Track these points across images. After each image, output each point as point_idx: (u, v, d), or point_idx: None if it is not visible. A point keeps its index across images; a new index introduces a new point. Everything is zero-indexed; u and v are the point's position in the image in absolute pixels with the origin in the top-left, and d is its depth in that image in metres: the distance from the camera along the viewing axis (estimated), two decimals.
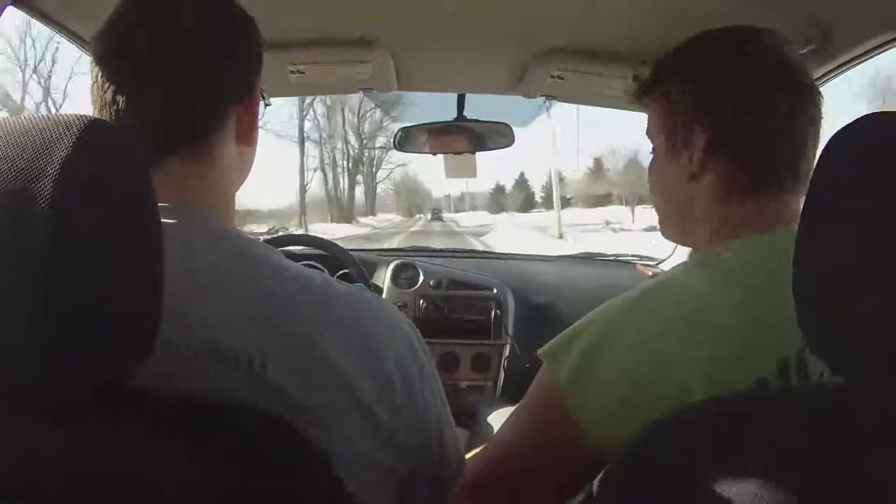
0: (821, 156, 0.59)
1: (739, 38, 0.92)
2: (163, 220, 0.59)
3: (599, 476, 0.72)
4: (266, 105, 0.90)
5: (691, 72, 0.93)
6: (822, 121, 0.90)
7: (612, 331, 0.85)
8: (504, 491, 0.94)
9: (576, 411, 0.84)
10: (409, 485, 0.78)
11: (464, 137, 2.17)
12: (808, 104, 0.89)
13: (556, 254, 2.95)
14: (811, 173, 0.86)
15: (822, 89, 0.97)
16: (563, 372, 0.86)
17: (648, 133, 1.01)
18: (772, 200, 0.88)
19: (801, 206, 0.87)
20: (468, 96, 2.09)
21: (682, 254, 0.94)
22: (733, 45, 0.92)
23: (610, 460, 0.75)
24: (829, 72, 1.36)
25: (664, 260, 2.49)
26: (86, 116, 0.53)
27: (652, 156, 1.02)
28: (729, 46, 0.92)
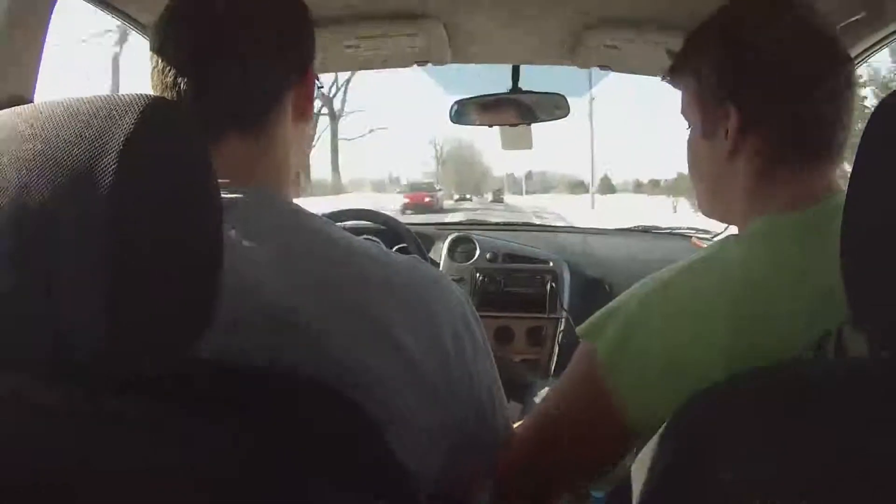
0: (868, 126, 0.58)
1: (768, 10, 0.90)
2: (224, 195, 0.60)
3: (643, 448, 0.73)
4: (319, 87, 0.92)
5: (720, 47, 0.91)
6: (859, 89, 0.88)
7: (650, 307, 0.85)
8: (542, 465, 0.95)
9: (613, 387, 0.84)
10: (458, 454, 0.79)
11: (519, 109, 2.14)
12: (841, 77, 0.86)
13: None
14: (845, 145, 0.85)
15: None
16: (601, 347, 0.86)
17: (683, 111, 0.99)
18: (808, 174, 0.87)
19: (836, 178, 0.87)
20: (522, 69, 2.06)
21: (734, 228, 0.94)
22: (763, 18, 0.89)
23: (644, 439, 0.75)
24: (881, 40, 1.30)
25: (720, 233, 2.44)
26: (148, 95, 0.54)
27: (688, 134, 1.00)
28: (758, 19, 0.89)
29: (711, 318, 0.79)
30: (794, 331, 0.76)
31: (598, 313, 0.89)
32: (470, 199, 49.87)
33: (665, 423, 0.67)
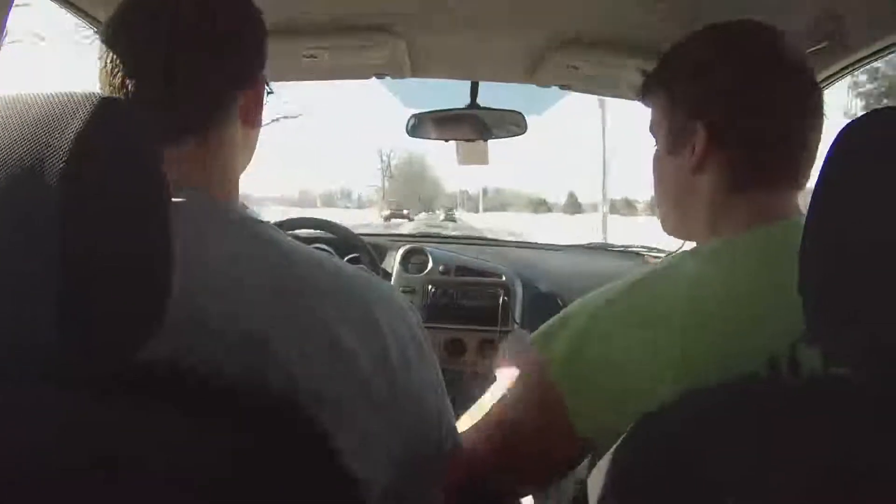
0: (830, 149, 0.60)
1: (740, 34, 0.93)
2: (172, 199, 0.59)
3: (592, 469, 0.73)
4: (269, 93, 0.91)
5: (691, 67, 0.94)
6: (824, 118, 0.91)
7: (601, 317, 0.86)
8: (492, 473, 0.95)
9: (565, 395, 0.84)
10: (405, 463, 0.79)
11: (476, 125, 2.16)
12: (807, 101, 0.89)
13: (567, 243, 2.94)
14: (809, 169, 0.88)
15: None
16: (553, 357, 0.86)
17: (651, 128, 1.01)
18: (769, 196, 0.89)
19: (798, 202, 0.89)
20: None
21: (689, 246, 0.96)
22: (734, 41, 0.92)
23: (598, 447, 0.77)
24: (843, 69, 1.35)
25: (673, 252, 2.47)
26: (97, 94, 0.54)
27: (655, 150, 1.02)
28: (729, 42, 0.93)
29: (661, 330, 0.80)
30: (744, 347, 0.78)
31: (549, 322, 0.90)
32: (408, 218, 47.02)
33: (621, 439, 0.68)
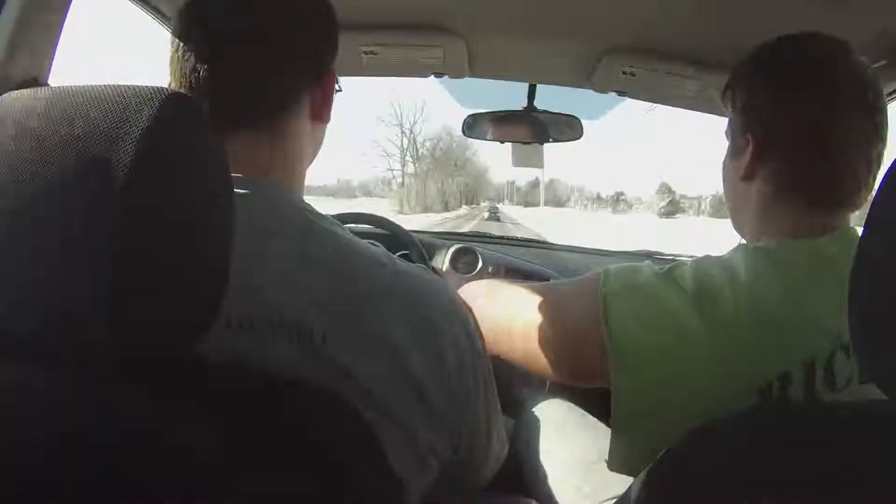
0: (890, 167, 0.58)
1: (800, 49, 0.93)
2: (235, 189, 0.60)
3: (632, 485, 0.73)
4: (338, 91, 0.91)
5: (749, 80, 0.96)
6: (886, 137, 0.89)
7: (656, 291, 0.87)
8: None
9: (605, 311, 0.87)
10: (450, 469, 0.79)
11: (532, 127, 2.16)
12: (864, 121, 0.88)
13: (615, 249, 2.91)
14: (864, 189, 0.86)
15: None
16: (609, 285, 0.89)
17: (725, 132, 1.04)
18: (813, 211, 0.90)
19: (846, 219, 0.89)
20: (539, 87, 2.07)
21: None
22: (792, 56, 0.93)
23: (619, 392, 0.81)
24: None
25: None
26: (165, 89, 0.54)
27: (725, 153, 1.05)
28: (787, 57, 0.93)
29: (713, 317, 0.81)
30: (784, 347, 0.79)
31: (621, 266, 0.93)
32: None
33: (667, 450, 0.67)
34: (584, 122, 2.10)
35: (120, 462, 0.51)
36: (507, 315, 1.04)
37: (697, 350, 0.80)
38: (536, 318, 0.97)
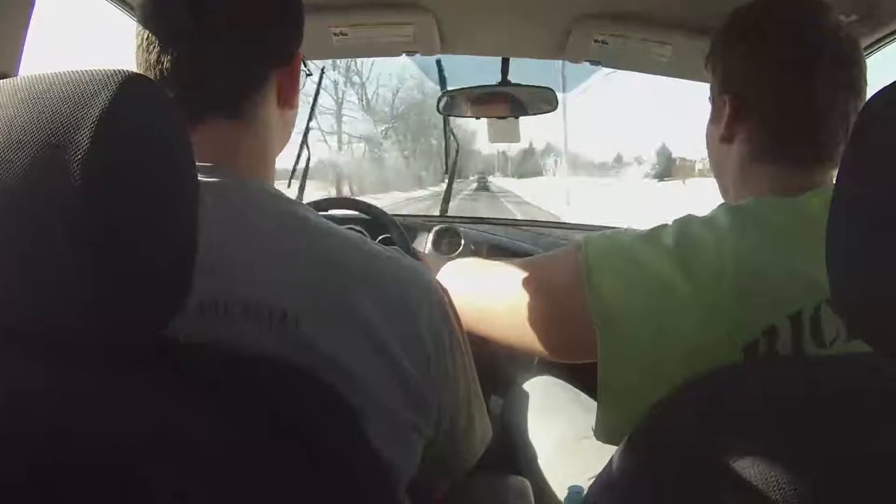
0: (858, 117, 0.58)
1: (773, 8, 0.93)
2: (201, 178, 0.60)
3: (619, 446, 0.73)
4: (307, 75, 0.91)
5: (724, 43, 0.98)
6: (864, 92, 0.90)
7: (641, 247, 0.86)
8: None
9: (589, 293, 0.85)
10: (434, 448, 0.79)
11: (507, 102, 2.15)
12: (836, 75, 0.88)
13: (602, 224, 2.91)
14: (839, 147, 0.87)
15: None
16: (590, 251, 0.88)
17: (709, 99, 1.05)
18: (792, 169, 0.91)
19: (829, 176, 0.89)
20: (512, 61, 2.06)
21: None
22: (765, 15, 0.93)
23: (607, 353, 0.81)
24: (872, 44, 1.31)
25: None
26: (125, 70, 0.53)
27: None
28: (760, 17, 0.94)
29: (696, 274, 0.81)
30: (770, 301, 0.79)
31: (603, 232, 0.93)
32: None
33: (649, 411, 0.67)
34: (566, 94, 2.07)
35: (103, 449, 0.51)
36: (489, 293, 1.04)
37: (683, 308, 0.80)
38: (519, 293, 0.97)
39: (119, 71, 0.53)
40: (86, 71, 0.53)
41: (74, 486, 0.50)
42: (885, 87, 0.56)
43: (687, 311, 0.79)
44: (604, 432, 0.88)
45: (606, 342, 0.83)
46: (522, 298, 0.95)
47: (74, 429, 0.52)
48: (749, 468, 0.55)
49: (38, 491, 0.49)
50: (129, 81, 0.53)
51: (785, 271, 0.79)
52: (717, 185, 1.06)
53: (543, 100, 2.14)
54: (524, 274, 0.98)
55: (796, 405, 0.59)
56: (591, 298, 0.84)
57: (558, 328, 0.93)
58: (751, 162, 0.94)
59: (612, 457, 0.69)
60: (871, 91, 0.88)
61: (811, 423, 0.57)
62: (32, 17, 1.01)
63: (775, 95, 0.90)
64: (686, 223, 0.88)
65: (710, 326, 0.78)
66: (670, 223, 0.89)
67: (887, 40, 1.30)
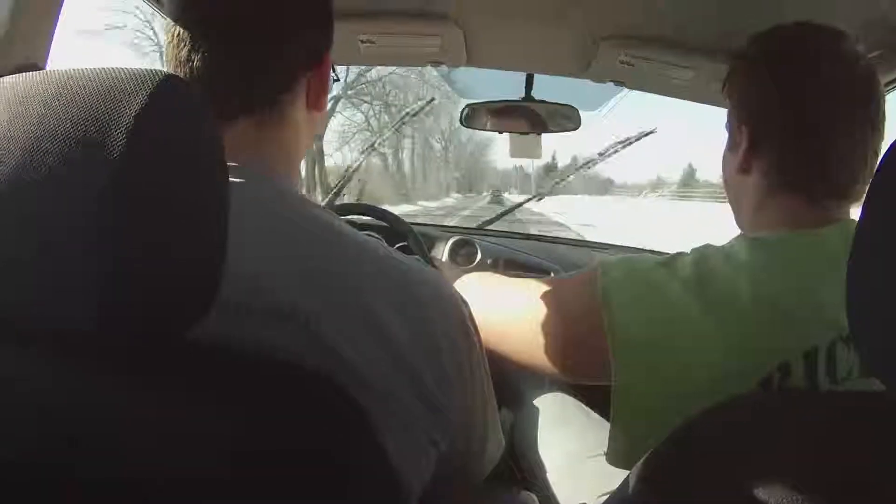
0: (885, 155, 0.57)
1: (794, 39, 0.92)
2: (230, 179, 0.59)
3: (635, 468, 0.73)
4: (335, 80, 0.91)
5: (743, 72, 0.96)
6: (882, 127, 0.89)
7: (658, 279, 0.86)
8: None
9: (606, 302, 0.86)
10: (447, 463, 0.78)
11: (529, 117, 2.15)
12: (855, 112, 0.87)
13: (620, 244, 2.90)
14: (860, 181, 0.87)
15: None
16: (609, 276, 0.88)
17: (726, 126, 1.03)
18: (810, 204, 0.89)
19: (846, 212, 0.89)
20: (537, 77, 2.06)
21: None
22: (785, 47, 0.92)
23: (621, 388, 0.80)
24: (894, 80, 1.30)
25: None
26: (160, 71, 0.53)
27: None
28: (780, 48, 0.93)
29: (712, 306, 0.81)
30: (783, 337, 0.79)
31: (621, 257, 0.93)
32: None
33: (668, 435, 0.67)
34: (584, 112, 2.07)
35: (122, 451, 0.52)
36: (505, 310, 1.04)
37: (698, 339, 0.80)
38: (535, 312, 0.96)
39: (156, 71, 0.53)
40: (123, 69, 0.53)
41: (85, 487, 0.50)
42: None
43: (704, 343, 0.79)
44: (614, 456, 0.88)
45: (623, 368, 0.83)
46: (538, 319, 0.95)
47: (90, 432, 0.52)
48: (767, 493, 0.55)
49: (48, 494, 0.49)
50: (165, 82, 0.53)
51: (801, 307, 0.79)
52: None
53: (566, 116, 2.15)
54: (541, 295, 0.98)
55: (816, 430, 0.60)
56: (609, 324, 0.84)
57: (573, 351, 0.93)
58: (768, 195, 0.93)
59: (626, 478, 0.69)
60: (890, 126, 0.88)
61: (830, 447, 0.57)
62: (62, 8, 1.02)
63: (793, 131, 0.89)
64: (704, 254, 0.88)
65: (727, 358, 0.78)
66: (689, 252, 0.89)
67: None
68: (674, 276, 0.85)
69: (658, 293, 0.84)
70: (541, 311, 0.96)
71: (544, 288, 0.99)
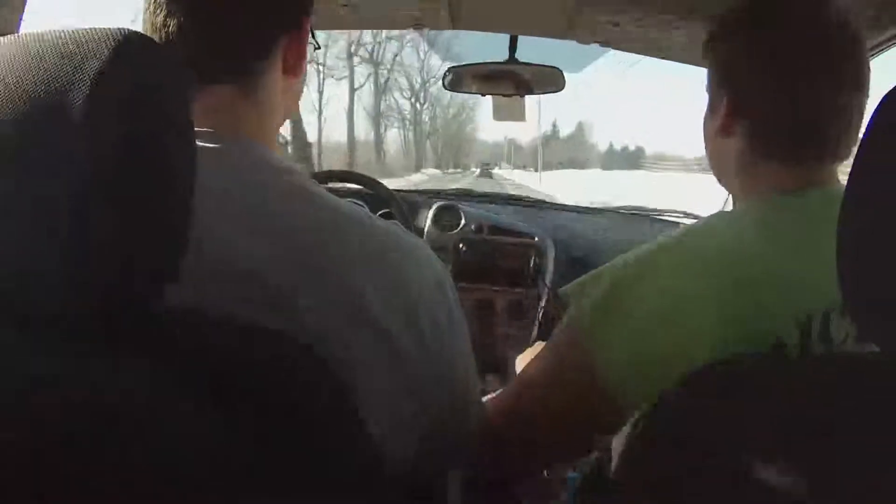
0: (872, 116, 0.56)
1: (775, 1, 0.91)
2: (203, 144, 0.59)
3: (614, 444, 0.72)
4: (315, 49, 0.90)
5: (723, 33, 0.95)
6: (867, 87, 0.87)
7: (638, 273, 0.85)
8: (522, 438, 0.95)
9: (595, 352, 0.84)
10: (429, 431, 0.78)
11: (513, 80, 2.13)
12: (839, 72, 0.86)
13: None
14: (849, 141, 0.85)
15: None
16: (585, 307, 0.86)
17: (706, 88, 1.02)
18: (794, 166, 0.88)
19: (833, 173, 0.88)
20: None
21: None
22: (763, 6, 0.91)
23: (628, 415, 0.75)
24: (881, 44, 1.28)
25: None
26: (124, 29, 0.52)
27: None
28: (759, 7, 0.91)
29: (701, 290, 0.80)
30: (777, 309, 0.78)
31: (586, 275, 0.90)
32: None
33: (651, 404, 0.66)
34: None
35: (86, 430, 0.50)
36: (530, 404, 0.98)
37: (689, 326, 0.78)
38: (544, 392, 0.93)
39: (117, 30, 0.52)
40: (86, 30, 0.52)
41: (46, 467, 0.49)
42: (895, 90, 0.55)
43: (697, 332, 0.78)
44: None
45: (614, 378, 0.83)
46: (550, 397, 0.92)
47: (60, 402, 0.51)
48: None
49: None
50: (129, 40, 0.51)
51: (791, 278, 0.78)
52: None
53: (550, 78, 2.13)
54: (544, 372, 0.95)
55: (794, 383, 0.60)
56: (599, 354, 0.83)
57: (585, 404, 0.88)
58: (751, 158, 0.91)
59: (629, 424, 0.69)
60: (875, 91, 0.86)
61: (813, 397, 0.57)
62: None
63: (774, 92, 0.87)
64: (684, 240, 0.87)
65: (721, 341, 0.76)
66: (661, 242, 0.87)
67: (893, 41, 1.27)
68: (649, 273, 0.84)
69: (637, 304, 0.83)
70: (549, 386, 0.93)
71: (535, 375, 0.96)
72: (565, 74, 2.09)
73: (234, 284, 0.66)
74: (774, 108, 0.88)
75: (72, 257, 0.50)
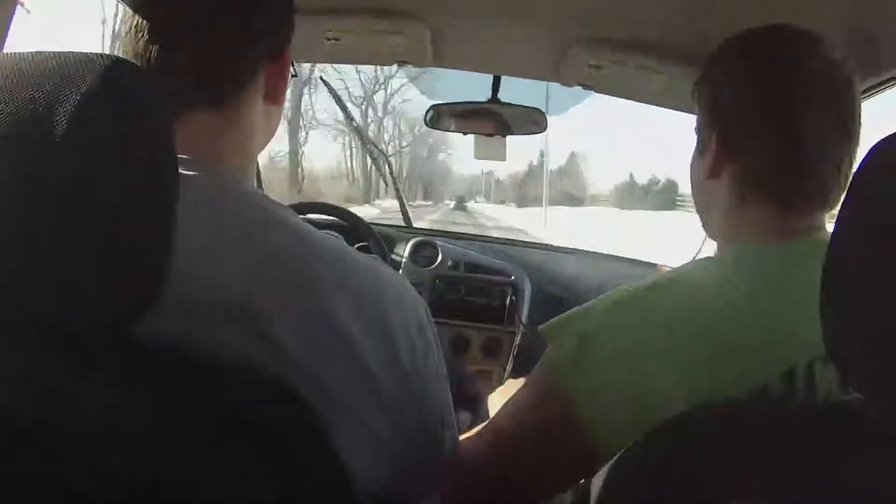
0: (860, 165, 0.57)
1: (766, 43, 0.91)
2: (183, 171, 0.58)
3: (595, 479, 0.71)
4: (293, 76, 0.90)
5: (715, 76, 0.94)
6: (857, 133, 0.87)
7: (614, 318, 0.84)
8: (497, 481, 0.93)
9: (571, 394, 0.83)
10: (403, 464, 0.77)
11: (495, 120, 2.15)
12: (828, 117, 0.86)
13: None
14: (836, 189, 0.85)
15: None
16: (562, 351, 0.85)
17: (695, 130, 1.01)
18: (781, 212, 0.87)
19: (822, 220, 0.87)
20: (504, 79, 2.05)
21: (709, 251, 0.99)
22: (757, 51, 0.91)
23: (608, 456, 0.74)
24: (874, 87, 1.30)
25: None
26: (109, 55, 0.52)
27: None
28: (753, 51, 0.91)
29: (675, 338, 0.79)
30: (759, 360, 0.77)
31: (563, 315, 0.89)
32: None
33: (630, 445, 0.65)
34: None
35: (62, 450, 0.51)
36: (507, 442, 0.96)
37: (657, 379, 0.78)
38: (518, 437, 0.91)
39: (103, 55, 0.52)
40: (70, 53, 0.52)
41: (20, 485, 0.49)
42: (887, 137, 0.55)
43: (664, 384, 0.77)
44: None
45: (592, 425, 0.81)
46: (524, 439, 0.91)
47: (33, 430, 0.51)
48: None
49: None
50: (114, 66, 0.52)
51: (774, 328, 0.77)
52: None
53: (533, 120, 2.15)
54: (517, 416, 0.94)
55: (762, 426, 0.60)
56: (577, 397, 0.82)
57: (568, 452, 0.87)
58: (739, 202, 0.90)
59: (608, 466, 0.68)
60: (868, 135, 0.87)
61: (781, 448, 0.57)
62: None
63: (765, 136, 0.87)
64: (656, 288, 0.86)
65: (692, 392, 0.75)
66: (632, 291, 0.86)
67: (888, 84, 1.29)
68: (618, 324, 0.83)
69: (598, 343, 0.82)
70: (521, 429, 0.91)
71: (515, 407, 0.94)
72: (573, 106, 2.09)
73: (210, 315, 0.65)
74: (763, 153, 0.87)
75: (55, 276, 0.50)
